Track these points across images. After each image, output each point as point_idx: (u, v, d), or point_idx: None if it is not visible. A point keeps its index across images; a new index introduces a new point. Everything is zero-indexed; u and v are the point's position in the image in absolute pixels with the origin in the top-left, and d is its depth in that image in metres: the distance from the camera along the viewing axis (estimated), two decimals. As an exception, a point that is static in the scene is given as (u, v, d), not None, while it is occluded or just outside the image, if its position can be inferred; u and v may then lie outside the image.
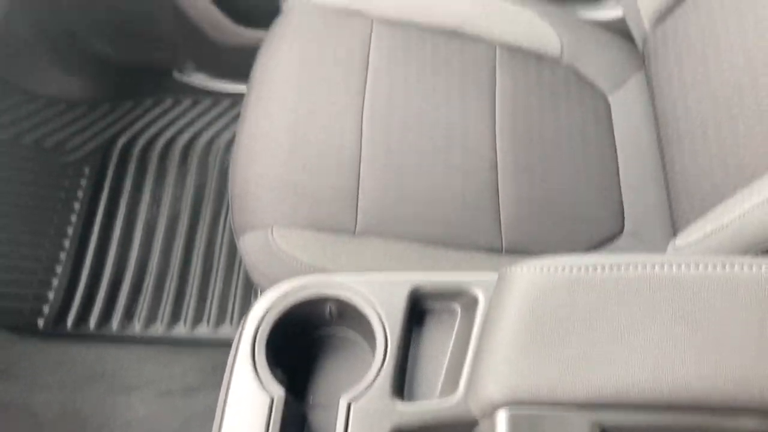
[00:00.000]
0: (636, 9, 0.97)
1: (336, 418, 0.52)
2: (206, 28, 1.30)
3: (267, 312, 0.56)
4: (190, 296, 1.28)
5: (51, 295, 1.27)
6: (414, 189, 0.90)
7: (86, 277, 1.30)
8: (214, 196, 1.38)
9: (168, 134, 1.45)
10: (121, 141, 1.44)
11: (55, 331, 1.25)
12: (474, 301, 0.56)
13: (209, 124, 1.46)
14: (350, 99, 0.94)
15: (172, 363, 1.22)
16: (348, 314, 0.58)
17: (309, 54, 0.97)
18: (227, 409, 0.53)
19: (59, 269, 1.30)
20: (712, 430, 0.46)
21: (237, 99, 1.45)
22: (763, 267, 0.48)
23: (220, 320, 1.26)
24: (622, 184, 0.98)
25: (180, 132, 1.45)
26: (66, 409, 1.16)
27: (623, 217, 0.95)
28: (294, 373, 0.58)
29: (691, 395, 0.45)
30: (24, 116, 1.38)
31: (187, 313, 1.27)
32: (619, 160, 0.99)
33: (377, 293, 0.57)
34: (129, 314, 1.27)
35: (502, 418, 0.47)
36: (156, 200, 1.38)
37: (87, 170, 1.40)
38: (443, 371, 0.56)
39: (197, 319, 1.26)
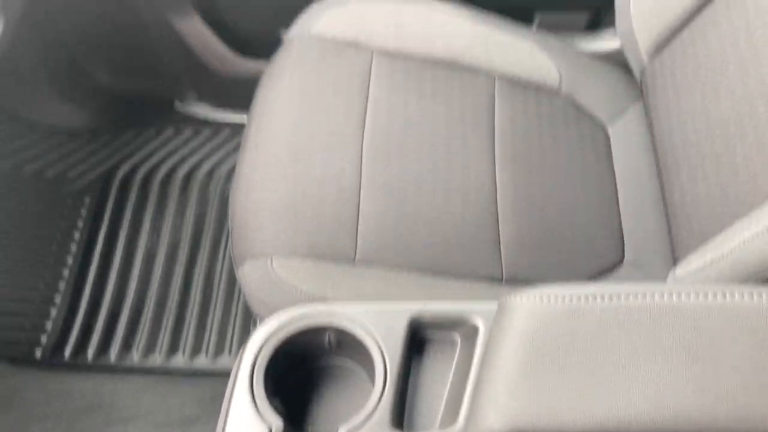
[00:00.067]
0: (634, 40, 0.98)
1: (335, 449, 0.51)
2: (208, 59, 1.32)
3: (266, 341, 0.56)
4: (189, 326, 1.28)
5: (49, 326, 1.27)
6: (414, 218, 0.90)
7: (85, 307, 1.29)
8: (214, 226, 1.38)
9: (169, 164, 1.45)
10: (122, 170, 1.44)
11: (53, 361, 1.24)
12: (474, 331, 0.56)
13: (210, 153, 1.47)
14: (350, 129, 0.95)
15: (170, 394, 1.21)
16: (347, 343, 0.58)
17: (309, 84, 0.98)
18: (225, 439, 0.52)
19: (58, 299, 1.29)
20: (715, 461, 0.45)
21: (237, 129, 1.46)
22: (764, 296, 0.47)
23: (218, 350, 1.26)
24: (621, 214, 0.98)
25: (181, 162, 1.45)
26: (62, 440, 1.14)
27: (623, 247, 0.95)
28: (292, 403, 0.57)
29: (692, 426, 0.44)
30: (25, 146, 1.39)
31: (185, 343, 1.26)
32: (619, 190, 1.00)
33: (377, 322, 0.57)
34: (127, 345, 1.26)
35: (502, 449, 0.46)
36: (156, 230, 1.38)
37: (87, 200, 1.40)
38: (443, 402, 0.55)
39: (196, 350, 1.26)
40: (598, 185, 0.99)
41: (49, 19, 1.26)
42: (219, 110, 1.49)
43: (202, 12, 1.26)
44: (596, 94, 1.06)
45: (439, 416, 0.54)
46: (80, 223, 1.38)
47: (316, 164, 0.91)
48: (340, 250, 0.87)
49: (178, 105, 1.50)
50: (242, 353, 0.56)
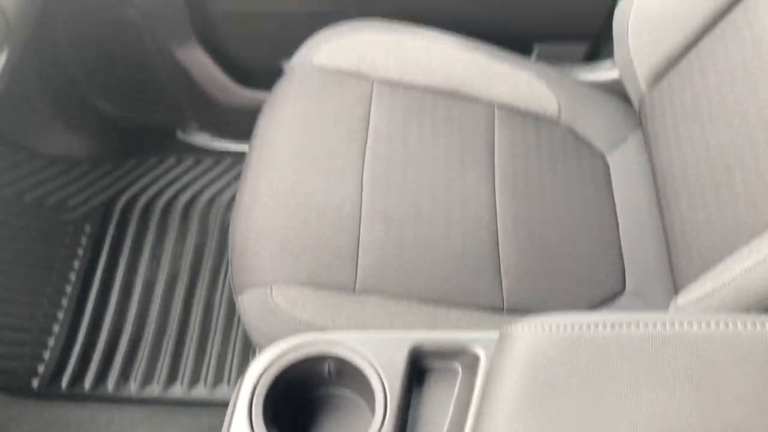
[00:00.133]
0: (632, 70, 0.99)
1: (334, 481, 0.51)
2: (210, 89, 1.33)
3: (265, 370, 0.56)
4: (188, 356, 1.27)
5: (47, 355, 1.26)
6: (414, 247, 0.90)
7: (83, 336, 1.28)
8: (214, 255, 1.38)
9: (170, 192, 1.45)
10: (123, 199, 1.44)
11: (50, 391, 1.23)
12: (475, 360, 0.55)
13: (211, 182, 1.47)
14: (351, 158, 0.95)
15: (168, 424, 1.19)
16: (347, 373, 0.57)
17: (310, 114, 0.98)
18: (223, 471, 0.52)
19: (56, 328, 1.28)
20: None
21: (239, 158, 1.47)
22: (767, 325, 0.47)
23: (217, 380, 1.25)
24: (622, 243, 0.98)
25: (182, 190, 1.46)
26: (58, 472, 1.13)
27: (624, 276, 0.95)
28: (292, 434, 0.57)
29: (697, 457, 0.44)
30: (26, 174, 1.39)
31: (184, 373, 1.25)
32: (619, 219, 1.00)
33: (377, 351, 0.56)
34: (125, 375, 1.25)
35: (504, 481, 0.46)
36: (156, 258, 1.38)
37: (88, 228, 1.40)
38: (444, 432, 0.54)
39: (194, 380, 1.25)
40: (598, 214, 0.99)
41: (53, 49, 1.27)
42: (220, 139, 1.49)
43: (204, 43, 1.28)
44: (595, 123, 1.06)
45: (440, 448, 0.53)
46: (80, 252, 1.37)
47: (316, 193, 0.91)
48: (340, 279, 0.87)
49: (179, 134, 1.51)
50: (241, 383, 0.56)
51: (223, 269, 1.36)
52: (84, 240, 1.39)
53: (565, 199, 0.99)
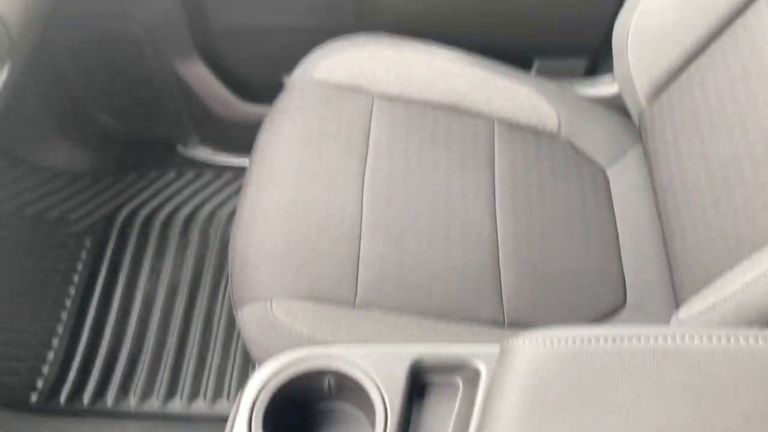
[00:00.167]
0: (631, 85, 1.00)
1: (334, 497, 0.50)
2: (211, 103, 1.33)
3: (264, 385, 0.55)
4: (187, 370, 1.26)
5: (45, 370, 1.25)
6: (415, 261, 0.90)
7: (82, 350, 1.28)
8: (213, 269, 1.38)
9: (170, 206, 1.45)
10: (124, 213, 1.44)
11: (48, 406, 1.23)
12: (476, 374, 0.55)
13: (211, 196, 1.47)
14: (351, 172, 0.95)
15: (167, 439, 1.19)
16: (347, 387, 0.57)
17: (310, 128, 0.99)
18: (222, 486, 0.51)
19: (55, 342, 1.28)
20: None
21: (239, 172, 1.47)
22: (769, 339, 0.47)
23: (217, 394, 1.24)
24: (623, 257, 0.97)
25: (182, 204, 1.46)
26: (55, 488, 1.12)
27: (625, 290, 0.95)
28: (291, 449, 0.56)
29: (700, 472, 0.44)
30: (27, 188, 1.40)
31: (183, 387, 1.24)
32: (620, 233, 0.99)
33: (377, 366, 0.56)
34: (124, 389, 1.24)
35: (505, 496, 0.45)
36: (156, 272, 1.37)
37: (88, 242, 1.40)
38: (445, 448, 0.54)
39: (194, 394, 1.24)
40: (598, 228, 0.99)
41: (55, 63, 1.28)
42: (221, 153, 1.50)
43: (205, 57, 1.28)
44: (595, 137, 1.07)
45: (441, 462, 0.53)
46: (80, 266, 1.37)
47: (316, 208, 0.91)
48: (341, 294, 0.86)
49: (180, 148, 1.51)
50: (240, 398, 0.55)
51: (223, 283, 1.36)
52: (84, 254, 1.39)
53: (566, 213, 0.99)
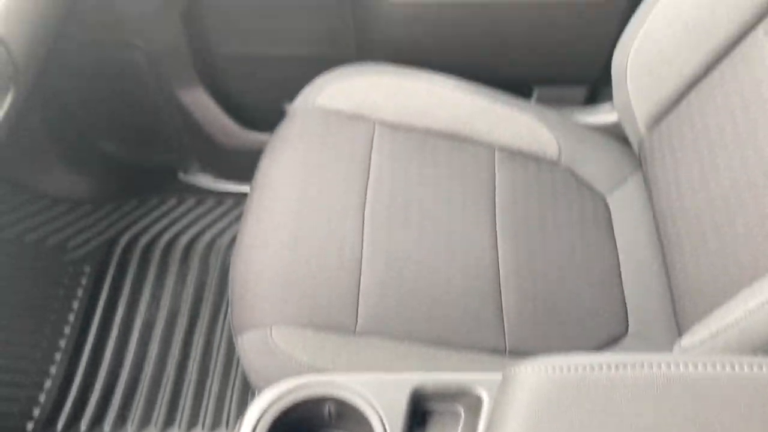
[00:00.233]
0: (631, 113, 1.00)
1: None
2: (212, 131, 1.34)
3: (264, 412, 0.55)
4: (186, 398, 1.25)
5: (43, 397, 1.24)
6: (415, 289, 0.90)
7: (80, 378, 1.27)
8: (213, 296, 1.37)
9: (171, 233, 1.46)
10: (124, 239, 1.44)
11: (45, 434, 1.21)
12: (478, 402, 0.54)
13: (212, 223, 1.47)
14: (352, 200, 0.96)
15: (164, 469, 1.18)
16: (347, 415, 0.56)
17: (311, 156, 0.99)
18: None
19: (53, 370, 1.27)
20: None
21: (240, 199, 1.47)
22: (773, 367, 0.47)
23: (216, 423, 1.23)
24: (624, 285, 0.97)
25: (182, 231, 1.46)
26: None
27: (627, 318, 0.94)
28: (291, 478, 0.56)
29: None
30: (28, 215, 1.40)
31: (182, 415, 1.23)
32: (621, 261, 0.99)
33: (378, 393, 0.55)
34: (122, 417, 1.23)
35: None
36: (155, 299, 1.37)
37: (88, 269, 1.40)
38: (446, 477, 0.54)
39: (192, 423, 1.23)
40: (599, 256, 0.99)
41: (57, 91, 1.29)
42: (222, 181, 1.50)
43: (207, 85, 1.29)
44: (595, 165, 1.07)
45: (442, 492, 0.52)
46: (80, 292, 1.37)
47: (317, 235, 0.91)
48: (341, 321, 0.86)
49: (181, 175, 1.52)
50: (239, 425, 0.55)
51: (223, 310, 1.35)
52: (84, 281, 1.38)
53: (567, 241, 0.98)
